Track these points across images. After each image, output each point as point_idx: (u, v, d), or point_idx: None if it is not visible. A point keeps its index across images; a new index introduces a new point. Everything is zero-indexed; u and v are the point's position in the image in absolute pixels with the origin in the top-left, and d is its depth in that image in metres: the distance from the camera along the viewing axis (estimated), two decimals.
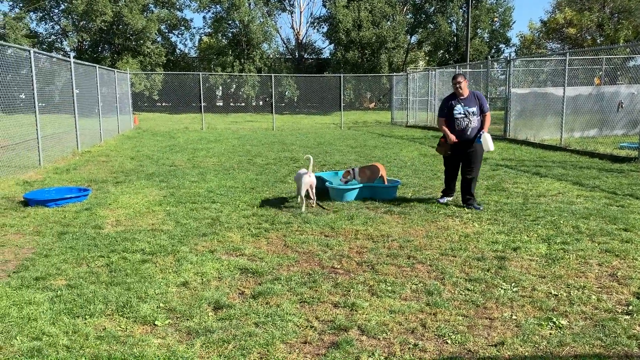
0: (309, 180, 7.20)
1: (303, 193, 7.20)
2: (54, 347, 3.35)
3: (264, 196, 8.20)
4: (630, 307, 3.91)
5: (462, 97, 7.09)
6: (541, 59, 22.78)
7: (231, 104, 51.56)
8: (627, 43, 28.56)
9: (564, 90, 13.87)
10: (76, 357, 3.24)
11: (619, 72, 21.01)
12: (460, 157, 7.27)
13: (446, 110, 7.18)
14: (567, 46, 38.66)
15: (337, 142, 17.30)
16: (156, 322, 3.75)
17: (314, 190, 7.34)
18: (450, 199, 7.59)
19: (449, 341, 3.46)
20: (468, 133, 7.04)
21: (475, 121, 7.03)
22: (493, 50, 46.68)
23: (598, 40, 37.20)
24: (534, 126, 16.09)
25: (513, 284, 4.41)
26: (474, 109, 7.03)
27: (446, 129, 7.19)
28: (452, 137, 7.10)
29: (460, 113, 7.05)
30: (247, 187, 8.94)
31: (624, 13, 36.57)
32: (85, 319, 3.80)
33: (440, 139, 7.40)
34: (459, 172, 7.41)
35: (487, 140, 6.99)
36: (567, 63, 14.04)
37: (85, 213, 7.11)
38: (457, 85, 7.06)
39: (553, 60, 20.95)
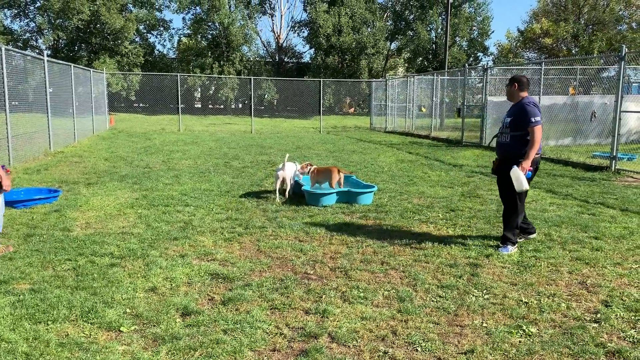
0: (281, 173, 8.07)
1: (277, 186, 8.15)
2: (12, 354, 3.23)
3: (239, 200, 8.12)
4: (599, 315, 3.94)
5: (512, 105, 5.70)
6: (517, 67, 23.12)
7: (210, 106, 51.19)
8: (600, 54, 29.17)
9: (539, 99, 14.07)
10: None
11: (592, 83, 21.43)
12: (500, 179, 5.77)
13: None
14: (543, 56, 39.32)
15: (316, 146, 17.27)
16: (122, 328, 3.65)
17: (288, 182, 8.17)
18: (521, 236, 5.84)
19: (419, 349, 3.43)
20: (500, 150, 5.65)
21: (507, 137, 5.53)
22: (471, 59, 47.24)
23: (573, 51, 37.92)
24: None
25: (484, 291, 4.42)
26: (508, 121, 5.56)
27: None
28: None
29: (501, 124, 5.74)
30: (222, 191, 8.84)
31: (599, 25, 37.37)
32: (48, 324, 3.68)
33: None
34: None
35: (514, 175, 5.31)
36: (542, 72, 14.25)
37: (54, 215, 6.94)
38: (505, 89, 5.83)
39: (529, 70, 21.26)
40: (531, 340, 3.55)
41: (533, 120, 5.35)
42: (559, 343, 3.49)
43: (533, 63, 26.85)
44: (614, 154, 11.26)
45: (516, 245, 5.66)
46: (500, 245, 5.64)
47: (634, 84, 25.10)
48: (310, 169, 8.41)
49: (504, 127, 5.64)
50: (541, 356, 3.33)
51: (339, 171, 8.17)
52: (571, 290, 4.48)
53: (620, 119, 11.19)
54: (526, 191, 5.51)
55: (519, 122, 5.44)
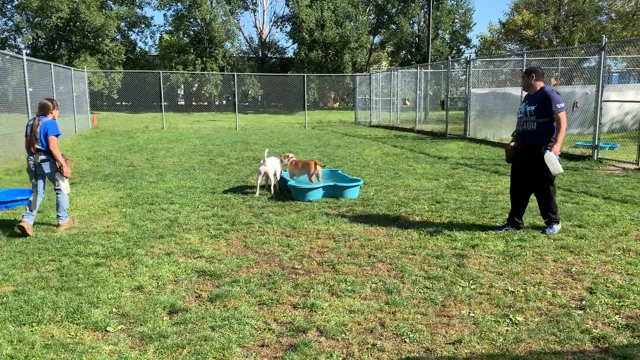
0: (263, 168, 8.03)
1: (258, 182, 8.18)
2: None
3: (225, 196, 8.07)
4: (584, 302, 3.98)
5: (529, 95, 5.95)
6: (500, 59, 23.26)
7: (193, 103, 50.90)
8: (581, 44, 29.47)
9: (522, 90, 14.14)
10: None
11: (574, 73, 21.63)
12: (520, 165, 6.00)
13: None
14: (525, 47, 39.59)
15: (301, 141, 17.24)
16: (108, 328, 3.61)
17: (271, 177, 8.16)
18: (510, 229, 5.99)
19: (407, 340, 3.44)
20: (526, 138, 5.85)
21: (533, 124, 5.73)
22: (454, 51, 47.47)
23: (554, 42, 38.25)
24: (493, 125, 16.39)
25: (471, 282, 4.44)
26: (532, 109, 5.75)
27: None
28: (511, 144, 6.09)
29: (520, 112, 5.96)
30: (207, 188, 8.78)
31: (579, 16, 37.71)
32: (32, 326, 3.63)
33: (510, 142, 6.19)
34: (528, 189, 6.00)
35: (549, 160, 5.58)
36: (524, 64, 14.35)
37: (37, 215, 6.82)
38: (521, 81, 6.09)
39: (512, 61, 21.40)
40: (518, 328, 3.58)
41: (559, 106, 5.62)
42: (545, 330, 3.53)
43: (515, 54, 27.03)
44: (596, 143, 11.39)
45: (560, 222, 5.97)
46: (546, 227, 5.91)
47: (614, 74, 25.40)
48: (289, 160, 8.51)
49: (527, 116, 5.82)
50: (528, 344, 3.36)
51: (315, 165, 8.19)
52: (556, 278, 4.52)
53: (601, 108, 11.32)
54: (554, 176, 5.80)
55: (545, 109, 5.67)
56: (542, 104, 5.68)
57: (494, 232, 5.89)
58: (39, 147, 5.99)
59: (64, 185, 6.16)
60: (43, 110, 6.13)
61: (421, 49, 44.56)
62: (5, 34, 42.91)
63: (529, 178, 5.91)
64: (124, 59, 42.52)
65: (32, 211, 6.03)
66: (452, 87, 19.96)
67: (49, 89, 16.40)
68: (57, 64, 18.99)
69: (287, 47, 66.60)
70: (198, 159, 12.66)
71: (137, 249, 5.37)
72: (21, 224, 5.85)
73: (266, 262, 5.03)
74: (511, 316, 3.75)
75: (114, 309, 3.92)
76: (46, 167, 6.06)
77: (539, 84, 5.86)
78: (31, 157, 6.07)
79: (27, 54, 13.96)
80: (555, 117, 5.63)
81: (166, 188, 8.71)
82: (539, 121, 5.71)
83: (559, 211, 6.19)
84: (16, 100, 13.99)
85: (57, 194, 6.25)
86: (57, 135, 6.06)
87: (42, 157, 6.03)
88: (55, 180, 6.14)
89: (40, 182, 6.19)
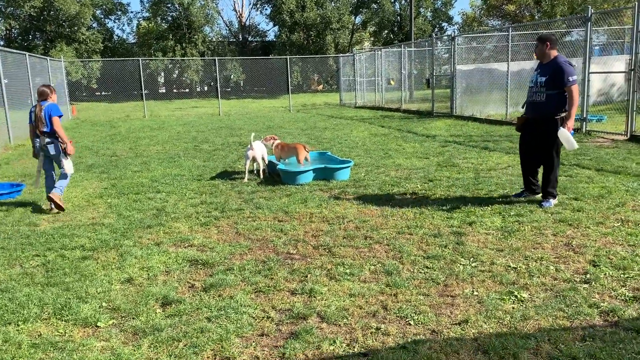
0: (251, 153, 7.82)
1: (246, 167, 7.97)
2: None
3: (213, 183, 7.88)
4: (588, 276, 3.90)
5: (542, 64, 5.76)
6: (485, 35, 23.10)
7: (174, 90, 50.17)
8: (567, 17, 29.42)
9: (508, 65, 14.06)
10: None
11: (558, 47, 21.59)
12: (529, 138, 5.91)
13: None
14: (507, 22, 39.45)
15: (287, 125, 17.01)
16: (99, 324, 3.44)
17: (259, 161, 7.99)
18: (528, 195, 6.09)
19: (411, 322, 3.33)
20: (534, 109, 5.75)
21: (542, 95, 5.60)
22: (436, 29, 47.24)
23: (536, 16, 38.16)
24: (480, 102, 16.30)
25: (472, 259, 4.34)
26: (543, 80, 5.59)
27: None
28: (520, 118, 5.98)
29: (531, 81, 5.80)
30: (194, 175, 8.58)
31: None
32: (18, 325, 3.45)
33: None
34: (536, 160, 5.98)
35: (563, 137, 5.45)
36: (509, 39, 14.22)
37: (19, 210, 6.61)
38: (535, 49, 5.82)
39: (495, 37, 21.27)
40: (524, 305, 3.48)
41: (571, 79, 5.44)
42: (553, 306, 3.43)
43: (497, 29, 26.90)
44: (584, 116, 11.34)
45: (557, 197, 5.88)
46: (543, 200, 5.83)
47: (595, 47, 25.38)
48: (273, 143, 8.34)
49: (537, 86, 5.67)
50: (536, 321, 3.25)
51: (304, 147, 8.04)
52: (558, 252, 4.43)
53: (589, 80, 11.24)
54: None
55: (556, 81, 5.49)
56: (553, 75, 5.51)
57: (489, 208, 5.79)
58: (45, 129, 6.42)
59: (68, 165, 6.56)
60: (42, 96, 6.56)
61: (403, 28, 44.27)
62: None
63: (537, 150, 5.83)
64: (102, 48, 41.63)
65: (47, 187, 6.63)
66: (436, 65, 19.78)
67: (25, 80, 15.94)
68: (33, 54, 18.46)
69: (268, 30, 65.84)
70: (182, 146, 12.41)
71: (125, 240, 5.18)
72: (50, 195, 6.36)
73: (260, 248, 4.87)
74: (516, 293, 3.65)
75: (104, 304, 3.75)
76: (51, 149, 6.49)
77: (553, 53, 5.69)
78: (37, 140, 6.53)
79: (0, 45, 13.50)
80: (567, 90, 5.47)
81: (151, 177, 8.49)
82: (548, 93, 5.57)
83: None
84: None
85: (62, 173, 6.63)
86: (59, 116, 6.51)
87: (47, 139, 6.46)
88: (59, 161, 6.54)
89: (46, 161, 6.66)
